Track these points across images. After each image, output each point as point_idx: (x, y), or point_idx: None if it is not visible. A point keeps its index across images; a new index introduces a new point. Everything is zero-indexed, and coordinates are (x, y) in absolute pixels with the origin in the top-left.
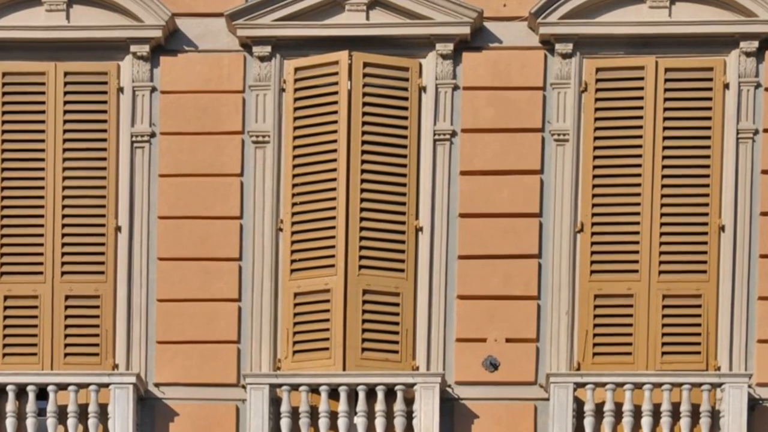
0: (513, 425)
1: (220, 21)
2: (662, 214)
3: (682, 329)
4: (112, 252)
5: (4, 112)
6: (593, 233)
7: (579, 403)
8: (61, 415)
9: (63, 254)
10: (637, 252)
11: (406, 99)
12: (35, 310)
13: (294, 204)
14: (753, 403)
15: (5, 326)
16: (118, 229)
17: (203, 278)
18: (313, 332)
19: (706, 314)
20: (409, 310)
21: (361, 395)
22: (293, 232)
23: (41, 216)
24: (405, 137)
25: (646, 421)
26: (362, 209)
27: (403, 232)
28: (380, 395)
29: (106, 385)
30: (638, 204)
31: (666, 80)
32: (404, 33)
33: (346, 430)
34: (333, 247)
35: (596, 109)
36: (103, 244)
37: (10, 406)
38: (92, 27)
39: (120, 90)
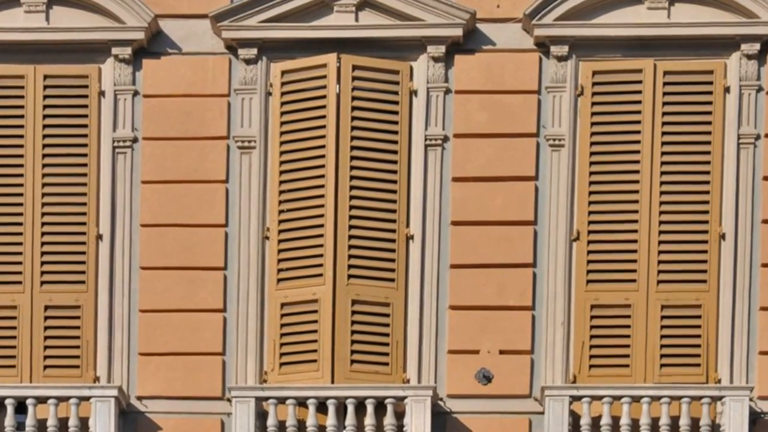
0: None
1: (205, 22)
2: (661, 222)
3: (682, 341)
4: (93, 261)
5: None
6: (590, 241)
7: (575, 417)
8: (41, 429)
9: (42, 263)
10: (635, 261)
11: (396, 103)
12: (14, 321)
13: (281, 211)
14: (754, 417)
15: None
16: (99, 237)
17: (187, 288)
18: (300, 344)
19: (706, 325)
20: (399, 320)
21: (350, 409)
22: (280, 241)
23: (20, 224)
24: (395, 142)
25: None
26: (351, 217)
27: (393, 241)
28: (370, 409)
29: (87, 399)
30: (636, 211)
31: (665, 83)
32: (394, 35)
33: None
34: (321, 255)
35: (593, 114)
36: (83, 253)
37: None
38: (72, 29)
39: (101, 94)
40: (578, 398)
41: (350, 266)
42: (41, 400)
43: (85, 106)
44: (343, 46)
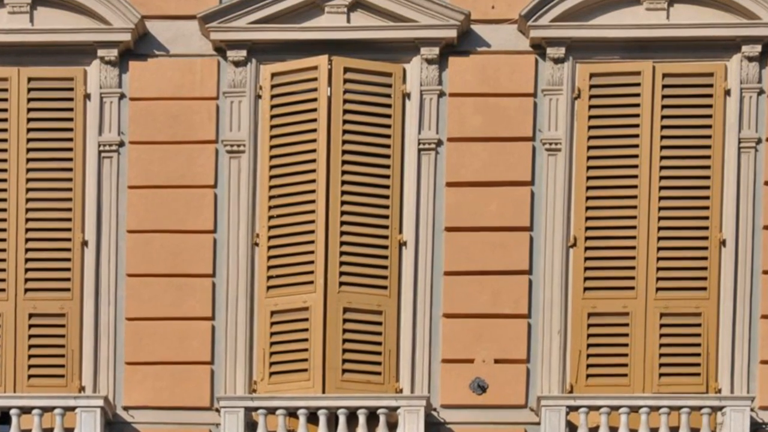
0: None
1: (193, 24)
2: (660, 228)
3: (681, 349)
4: (79, 268)
5: None
6: (587, 248)
7: (572, 428)
8: None
9: (26, 270)
10: (633, 268)
11: (389, 106)
12: None
13: (271, 217)
14: (755, 428)
15: None
16: (84, 243)
17: (175, 295)
18: (290, 353)
19: (706, 333)
20: (392, 329)
21: (342, 419)
22: (270, 247)
23: (3, 230)
24: (388, 146)
25: None
26: (343, 223)
27: (386, 247)
28: (362, 419)
29: (72, 409)
30: (634, 217)
31: (664, 86)
32: (387, 36)
33: None
34: (312, 262)
35: (590, 117)
36: (68, 260)
37: None
38: (57, 30)
39: (87, 97)
40: (575, 408)
41: (341, 273)
42: (25, 410)
43: (71, 109)
44: (334, 48)
